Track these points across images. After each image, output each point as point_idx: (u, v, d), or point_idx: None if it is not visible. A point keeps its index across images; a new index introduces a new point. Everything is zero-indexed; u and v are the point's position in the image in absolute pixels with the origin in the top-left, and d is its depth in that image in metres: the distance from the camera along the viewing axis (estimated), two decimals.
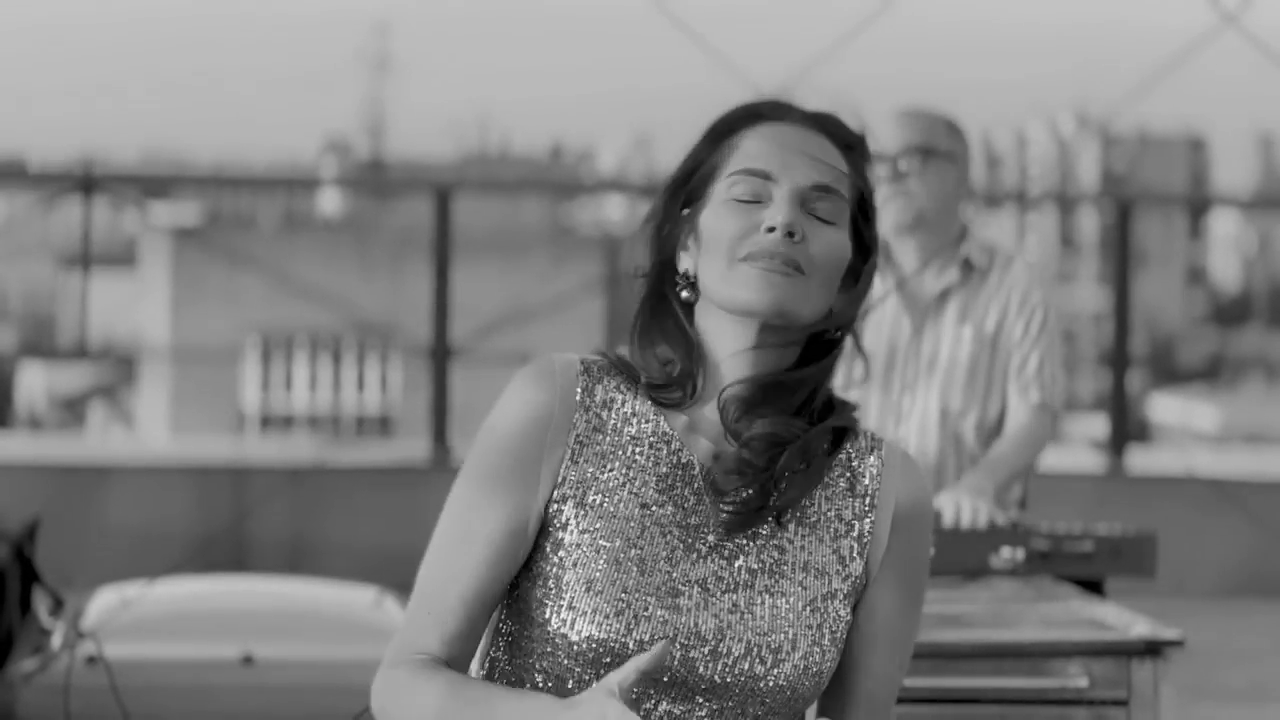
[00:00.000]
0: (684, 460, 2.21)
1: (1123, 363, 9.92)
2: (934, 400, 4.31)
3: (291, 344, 30.10)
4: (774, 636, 2.17)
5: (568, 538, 2.19)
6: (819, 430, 2.22)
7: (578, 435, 2.21)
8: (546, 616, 2.17)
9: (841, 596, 2.22)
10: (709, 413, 2.23)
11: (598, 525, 2.18)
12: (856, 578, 2.23)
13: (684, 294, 2.25)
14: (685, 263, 2.25)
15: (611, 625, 2.14)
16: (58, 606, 5.32)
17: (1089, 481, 9.35)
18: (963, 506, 3.99)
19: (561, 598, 2.17)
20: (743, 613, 2.17)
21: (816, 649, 2.19)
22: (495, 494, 2.20)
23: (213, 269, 28.31)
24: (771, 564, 2.20)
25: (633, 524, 2.18)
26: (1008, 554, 3.91)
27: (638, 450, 2.22)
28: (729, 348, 2.23)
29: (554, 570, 2.18)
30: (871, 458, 2.26)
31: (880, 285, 4.35)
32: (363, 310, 22.29)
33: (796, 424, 2.21)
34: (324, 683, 4.97)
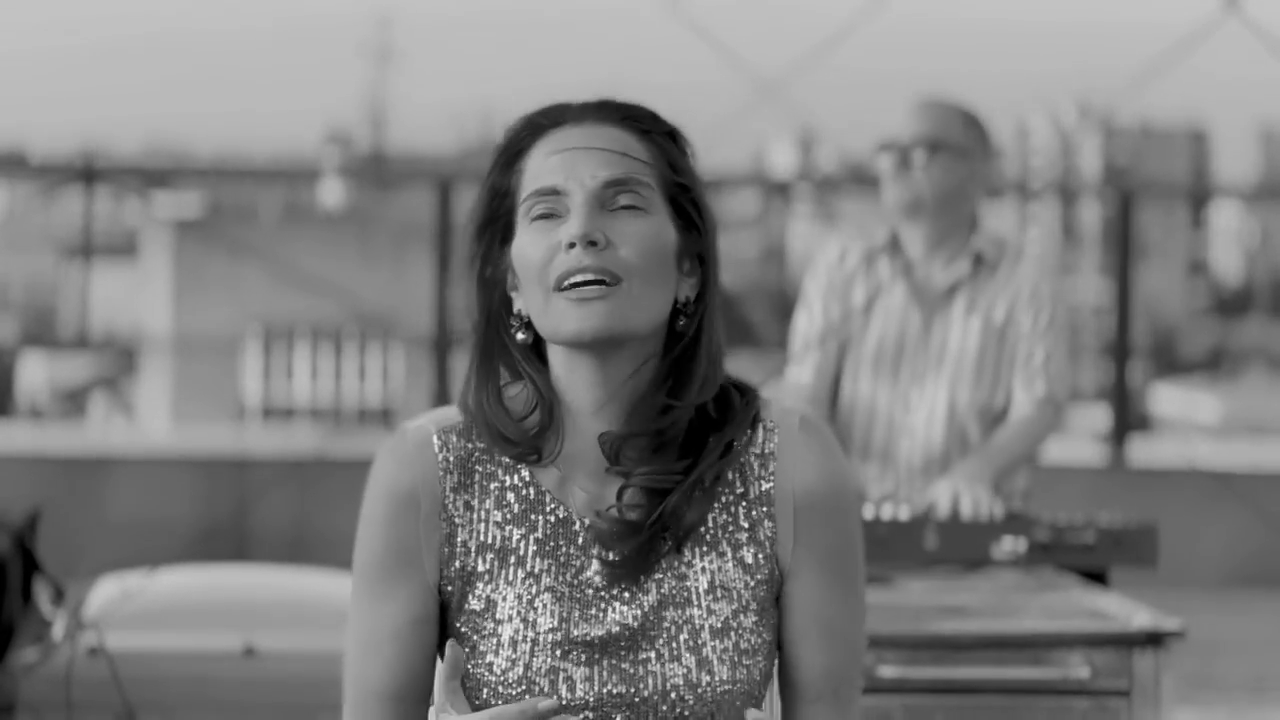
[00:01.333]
0: (561, 517, 2.11)
1: (1124, 354, 9.91)
2: (942, 392, 4.32)
3: (293, 335, 30.09)
4: (694, 673, 2.09)
5: (465, 616, 2.13)
6: (706, 466, 2.10)
7: (448, 515, 2.13)
8: (474, 666, 2.14)
9: (755, 607, 2.12)
10: (580, 458, 2.12)
11: (490, 602, 2.12)
12: (767, 581, 2.13)
13: (519, 335, 2.13)
14: (519, 302, 2.13)
15: (523, 690, 2.09)
16: (59, 597, 5.32)
17: (1090, 473, 9.35)
18: (962, 497, 3.99)
19: (483, 658, 2.12)
20: (653, 657, 2.09)
21: (740, 670, 2.10)
22: (387, 589, 2.15)
23: (214, 260, 28.31)
24: (675, 596, 2.10)
25: (523, 598, 2.10)
26: (1009, 544, 3.91)
27: (510, 516, 2.12)
28: (582, 381, 2.11)
29: (468, 636, 2.14)
30: (764, 447, 2.13)
31: (889, 270, 4.37)
32: (364, 301, 22.28)
33: (675, 467, 2.09)
34: (326, 674, 4.97)
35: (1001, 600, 3.71)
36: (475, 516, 2.14)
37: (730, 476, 2.13)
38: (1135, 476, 9.51)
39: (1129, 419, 10.10)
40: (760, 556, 2.12)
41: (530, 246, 2.09)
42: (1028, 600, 3.72)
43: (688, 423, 2.12)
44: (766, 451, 2.14)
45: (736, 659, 2.10)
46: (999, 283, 4.35)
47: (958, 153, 4.32)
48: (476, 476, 2.14)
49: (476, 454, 2.15)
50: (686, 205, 2.13)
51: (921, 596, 3.75)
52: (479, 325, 2.14)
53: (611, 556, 2.09)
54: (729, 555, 2.12)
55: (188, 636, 5.09)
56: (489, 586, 2.12)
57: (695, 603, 2.11)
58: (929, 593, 3.78)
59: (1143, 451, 10.22)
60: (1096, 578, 4.03)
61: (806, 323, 4.40)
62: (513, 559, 2.12)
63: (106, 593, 5.35)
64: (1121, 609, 3.60)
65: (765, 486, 2.13)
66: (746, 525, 2.13)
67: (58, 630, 5.06)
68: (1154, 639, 3.48)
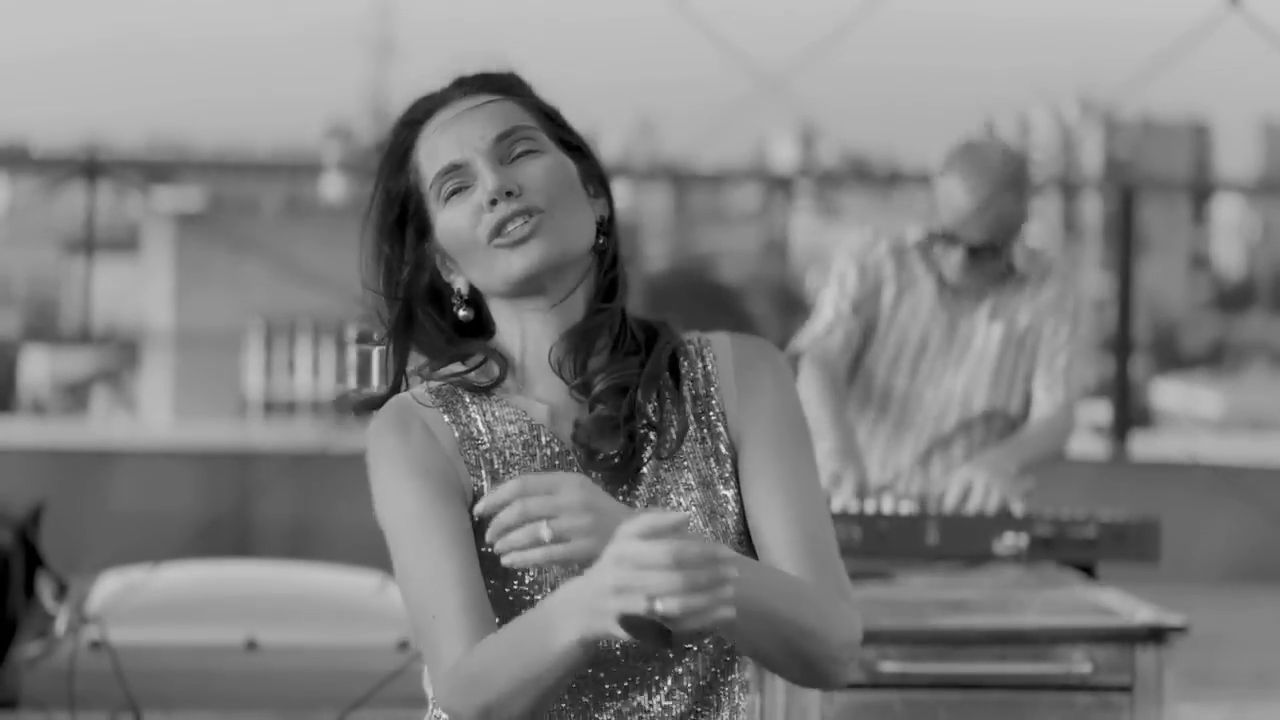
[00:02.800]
0: (557, 450, 2.21)
1: (1126, 348, 9.91)
2: (956, 391, 4.34)
3: (295, 329, 30.09)
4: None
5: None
6: (658, 352, 2.23)
7: (460, 438, 2.21)
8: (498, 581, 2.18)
9: (727, 483, 2.23)
10: (554, 394, 2.23)
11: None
12: (730, 457, 2.24)
13: (462, 313, 2.25)
14: (458, 282, 2.26)
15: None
16: (62, 591, 5.33)
17: (1092, 467, 9.35)
18: (975, 487, 4.00)
19: (509, 573, 2.17)
20: None
21: (732, 548, 2.19)
22: (436, 519, 2.16)
23: (216, 254, 28.31)
24: (661, 496, 2.20)
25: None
26: (1011, 540, 3.91)
27: (513, 452, 2.21)
28: (535, 322, 2.23)
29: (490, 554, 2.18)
30: (703, 359, 2.27)
31: (922, 266, 4.35)
32: (366, 295, 22.29)
33: (630, 361, 2.22)
34: (328, 667, 4.98)
35: (1003, 596, 3.72)
36: (484, 450, 2.21)
37: (685, 385, 2.25)
38: (1137, 471, 9.51)
39: (1130, 414, 10.10)
40: (722, 442, 2.24)
41: (455, 220, 2.22)
42: (1030, 596, 3.72)
43: (635, 341, 2.24)
44: (706, 357, 2.27)
45: (726, 537, 2.21)
46: (1027, 292, 4.36)
47: (1015, 234, 4.31)
48: (474, 417, 2.23)
49: (466, 404, 2.24)
50: (568, 137, 2.26)
51: (923, 592, 3.75)
52: (399, 319, 2.27)
53: (599, 463, 2.19)
54: (699, 452, 2.23)
55: (190, 630, 5.10)
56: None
57: (682, 495, 2.21)
58: (930, 588, 3.79)
59: (1144, 446, 10.22)
60: (1088, 571, 4.03)
61: (838, 293, 4.36)
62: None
63: (109, 587, 5.36)
64: (1123, 604, 3.61)
65: (713, 378, 2.26)
66: (706, 418, 2.25)
67: (60, 624, 5.07)
68: (1156, 634, 3.48)
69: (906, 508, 3.93)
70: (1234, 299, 63.05)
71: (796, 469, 2.23)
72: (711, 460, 2.23)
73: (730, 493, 2.23)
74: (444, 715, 2.18)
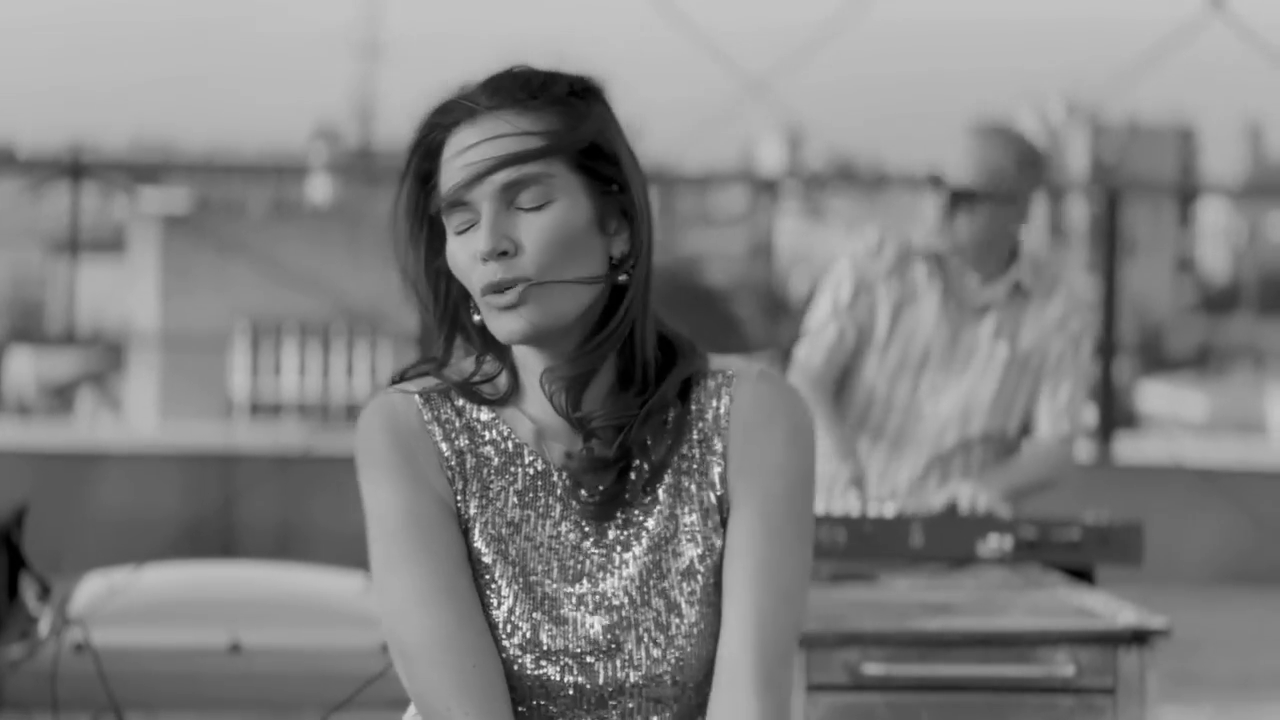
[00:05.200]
0: (540, 469, 2.16)
1: (1111, 351, 9.92)
2: (956, 407, 4.33)
3: (281, 331, 30.06)
4: (658, 614, 2.13)
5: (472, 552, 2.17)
6: (664, 388, 2.15)
7: (445, 459, 2.17)
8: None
9: (715, 546, 2.16)
10: (545, 414, 2.17)
11: (482, 551, 2.16)
12: (719, 510, 2.17)
13: (476, 317, 2.18)
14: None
15: (514, 646, 2.13)
16: (45, 593, 5.32)
17: (1077, 470, 9.35)
18: (961, 494, 4.02)
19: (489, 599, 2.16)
20: (625, 603, 2.14)
21: (706, 609, 2.15)
22: (424, 539, 2.13)
23: (202, 256, 28.28)
24: (646, 542, 2.15)
25: (510, 547, 2.15)
26: (995, 542, 3.91)
27: (492, 469, 2.17)
28: (533, 357, 2.17)
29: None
30: (719, 398, 2.17)
31: (925, 275, 4.34)
32: (352, 297, 22.27)
33: (629, 400, 2.14)
34: (311, 670, 4.97)
35: (987, 598, 3.72)
36: (466, 470, 2.17)
37: (691, 421, 2.17)
38: (1122, 474, 9.52)
39: (1115, 416, 10.10)
40: (714, 497, 2.16)
41: (457, 256, 2.14)
42: (1013, 598, 3.72)
43: (645, 377, 2.16)
44: (724, 396, 2.17)
45: (702, 598, 2.14)
46: (1032, 311, 4.35)
47: (1006, 199, 4.30)
48: (457, 427, 2.18)
49: (453, 411, 2.19)
50: (598, 166, 2.14)
51: (907, 594, 3.76)
52: (435, 309, 2.18)
53: (584, 498, 2.14)
54: (695, 500, 2.16)
55: (174, 632, 5.09)
56: (477, 536, 2.16)
57: (666, 547, 2.15)
58: (914, 590, 3.79)
59: (1129, 449, 10.23)
60: (1082, 575, 4.04)
61: (830, 306, 4.36)
62: (492, 511, 2.16)
63: (92, 589, 5.35)
64: (1107, 607, 3.61)
65: (721, 429, 2.17)
66: (706, 469, 2.17)
67: (43, 626, 5.06)
68: (1139, 637, 3.48)
69: (891, 510, 3.93)
70: (1219, 302, 63.14)
71: (776, 553, 2.14)
72: (698, 511, 2.16)
73: (719, 542, 2.15)
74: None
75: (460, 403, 2.18)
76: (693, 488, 2.16)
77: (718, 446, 2.16)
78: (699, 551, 2.15)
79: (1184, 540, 9.16)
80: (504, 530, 2.15)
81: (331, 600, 5.45)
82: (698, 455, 2.17)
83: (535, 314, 2.10)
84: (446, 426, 2.17)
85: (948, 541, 3.90)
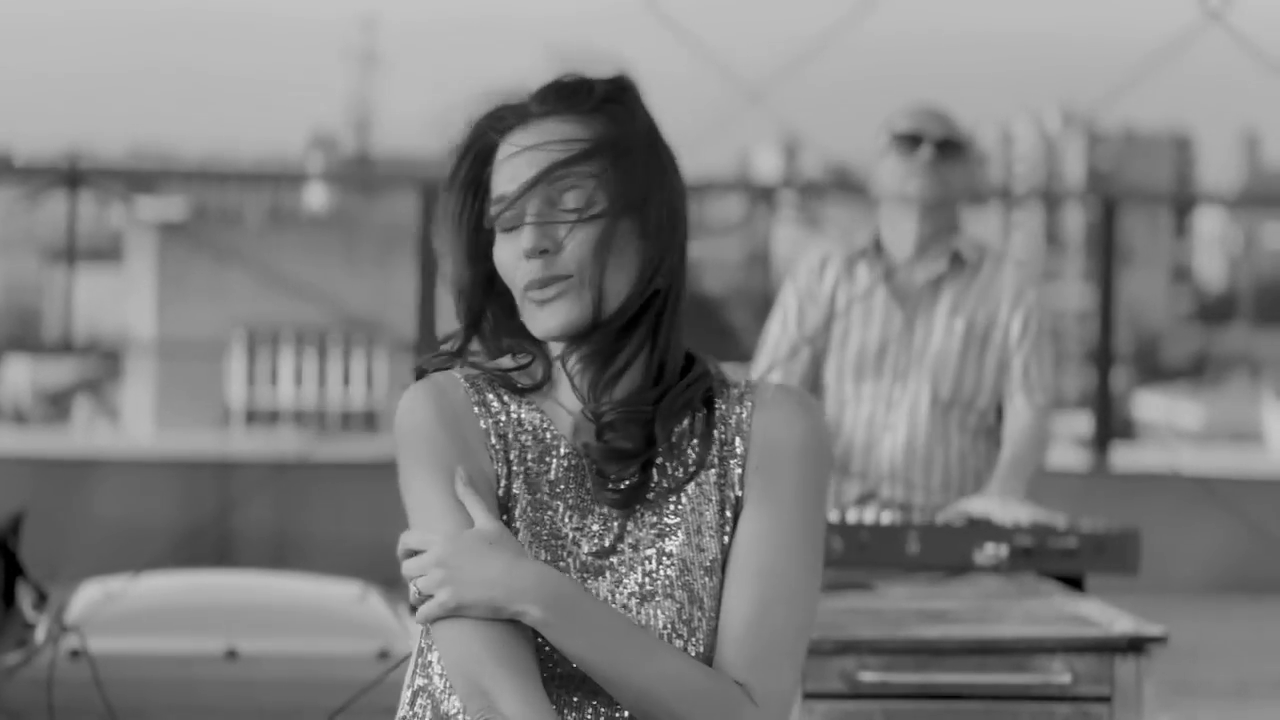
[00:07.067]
0: (574, 461, 2.21)
1: (1107, 360, 9.93)
2: (925, 389, 4.38)
3: (277, 339, 30.07)
4: (683, 607, 2.16)
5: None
6: (681, 387, 2.20)
7: (490, 444, 2.21)
8: None
9: (730, 534, 2.20)
10: (577, 405, 2.22)
11: (518, 531, 2.19)
12: (735, 511, 2.20)
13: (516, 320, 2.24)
14: None
15: None
16: (41, 600, 5.31)
17: (1073, 478, 9.36)
18: (990, 510, 4.04)
19: None
20: (653, 590, 2.16)
21: (711, 600, 2.17)
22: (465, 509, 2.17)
23: (198, 264, 28.29)
24: (670, 536, 2.18)
25: (545, 532, 2.19)
26: (991, 550, 3.91)
27: (530, 457, 2.21)
28: (567, 352, 2.22)
29: None
30: (742, 405, 2.23)
31: (868, 275, 4.42)
32: (348, 305, 22.29)
33: (647, 396, 2.19)
34: (308, 677, 4.97)
35: (983, 606, 3.72)
36: (508, 448, 2.21)
37: (715, 424, 2.22)
38: (1118, 482, 9.53)
39: (1112, 425, 10.11)
40: (732, 501, 2.20)
41: (502, 254, 2.22)
42: (1009, 606, 3.72)
43: (668, 378, 2.21)
44: (746, 403, 2.23)
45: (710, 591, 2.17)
46: (981, 284, 4.42)
47: (963, 156, 4.43)
48: (498, 412, 2.23)
49: (494, 397, 2.23)
50: (639, 170, 2.21)
51: (903, 601, 3.76)
52: (466, 304, 2.24)
53: (609, 487, 2.18)
54: (714, 501, 2.20)
55: (170, 640, 5.09)
56: (516, 518, 2.19)
57: (689, 543, 2.18)
58: (911, 598, 3.79)
59: (1125, 458, 10.23)
60: (1072, 583, 4.04)
61: (779, 331, 4.47)
62: (527, 497, 2.20)
63: (89, 596, 5.35)
64: (1103, 615, 3.61)
65: (743, 432, 2.22)
66: (725, 471, 2.21)
67: (40, 633, 5.06)
68: (1135, 645, 3.48)
69: (888, 518, 3.93)
70: (1215, 311, 63.17)
71: (782, 556, 2.17)
72: (716, 508, 2.20)
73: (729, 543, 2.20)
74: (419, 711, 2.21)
75: (500, 391, 2.24)
76: (714, 486, 2.21)
77: (738, 449, 2.21)
78: (720, 548, 2.19)
79: (1180, 549, 9.17)
80: (538, 515, 2.19)
81: (328, 608, 5.45)
82: (721, 456, 2.22)
83: (572, 311, 2.18)
84: (491, 409, 2.22)
85: (944, 549, 3.90)
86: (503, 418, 2.22)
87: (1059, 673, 3.47)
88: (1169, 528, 9.03)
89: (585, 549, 2.18)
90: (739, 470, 2.21)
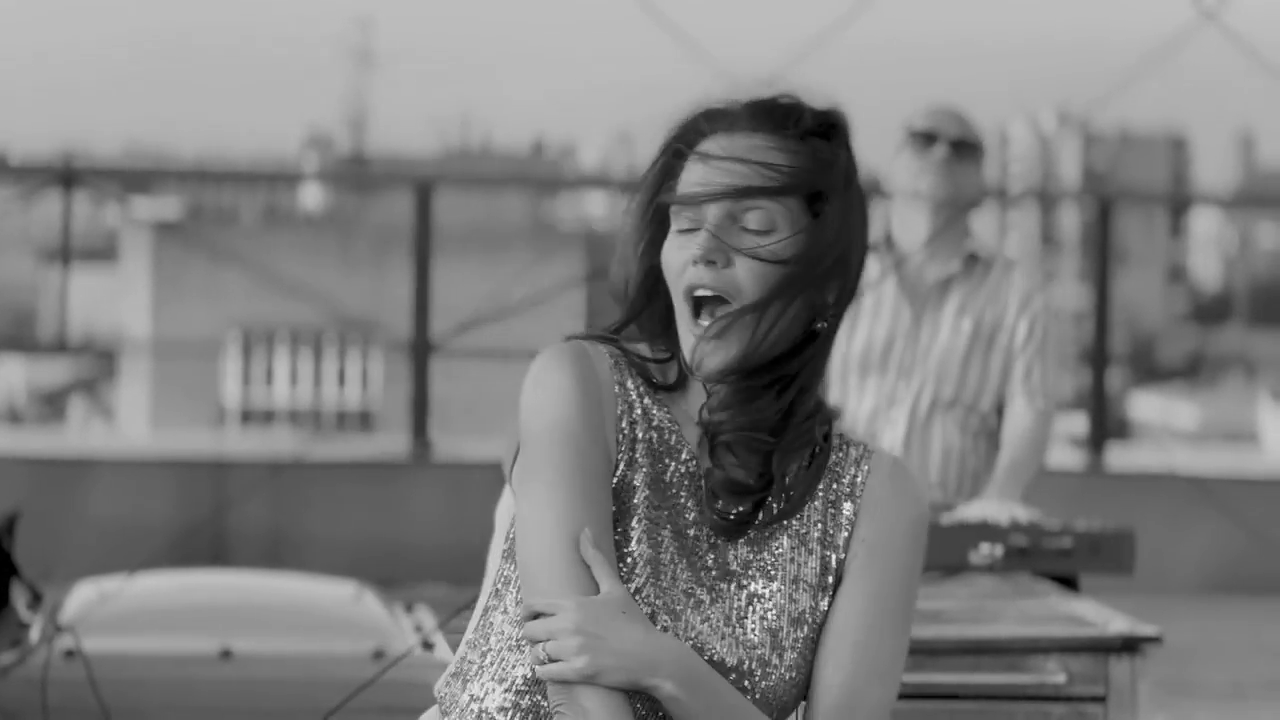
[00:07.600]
0: (691, 470, 2.20)
1: (1103, 360, 9.93)
2: (927, 387, 4.39)
3: (272, 339, 30.06)
4: (762, 650, 2.16)
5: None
6: (799, 431, 2.18)
7: (621, 427, 2.20)
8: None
9: (826, 593, 2.20)
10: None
11: (632, 522, 2.18)
12: (835, 574, 2.21)
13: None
14: None
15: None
16: (36, 600, 5.31)
17: (1068, 478, 9.36)
18: (990, 513, 4.05)
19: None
20: (734, 625, 2.17)
21: (802, 660, 2.18)
22: (599, 478, 2.16)
23: (194, 263, 28.27)
24: (764, 576, 2.18)
25: (654, 528, 2.18)
26: (986, 550, 3.91)
27: (651, 453, 2.20)
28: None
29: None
30: (860, 466, 2.23)
31: (878, 266, 4.44)
32: (344, 305, 22.27)
33: (771, 427, 2.17)
34: (303, 677, 4.97)
35: (978, 606, 3.72)
36: (635, 437, 2.20)
37: (828, 479, 2.21)
38: (1113, 482, 9.53)
39: (1107, 425, 10.11)
40: (835, 561, 2.20)
41: (672, 254, 2.19)
42: (1004, 606, 3.72)
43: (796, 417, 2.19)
44: (863, 466, 2.22)
45: (802, 650, 2.18)
46: (990, 288, 4.44)
47: (976, 159, 4.46)
48: (635, 400, 2.21)
49: (634, 384, 2.22)
50: (826, 210, 2.18)
51: None
52: (638, 289, 2.22)
53: (718, 512, 2.18)
54: (816, 553, 2.21)
55: (165, 640, 5.09)
56: (633, 512, 2.18)
57: (780, 588, 2.18)
58: None
59: (1121, 458, 10.24)
60: (1066, 583, 4.04)
61: None
62: (640, 492, 2.18)
63: (84, 596, 5.35)
64: (1098, 615, 3.61)
65: (857, 494, 2.21)
66: (834, 529, 2.21)
67: (35, 633, 5.05)
68: (1130, 645, 3.48)
69: None
70: (1211, 311, 63.23)
71: (876, 635, 2.19)
72: (818, 565, 2.20)
73: (824, 604, 2.20)
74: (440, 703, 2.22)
75: (638, 380, 2.22)
76: (817, 541, 2.20)
77: (848, 511, 2.21)
78: (811, 603, 2.19)
79: (1175, 549, 9.17)
80: (648, 512, 2.17)
81: (323, 607, 5.45)
82: (827, 514, 2.21)
83: (732, 349, 2.15)
84: (629, 394, 2.21)
85: (939, 549, 3.90)
86: (637, 409, 2.20)
87: (1054, 673, 3.47)
88: (1164, 528, 9.03)
89: (687, 558, 2.17)
90: (845, 534, 2.20)
